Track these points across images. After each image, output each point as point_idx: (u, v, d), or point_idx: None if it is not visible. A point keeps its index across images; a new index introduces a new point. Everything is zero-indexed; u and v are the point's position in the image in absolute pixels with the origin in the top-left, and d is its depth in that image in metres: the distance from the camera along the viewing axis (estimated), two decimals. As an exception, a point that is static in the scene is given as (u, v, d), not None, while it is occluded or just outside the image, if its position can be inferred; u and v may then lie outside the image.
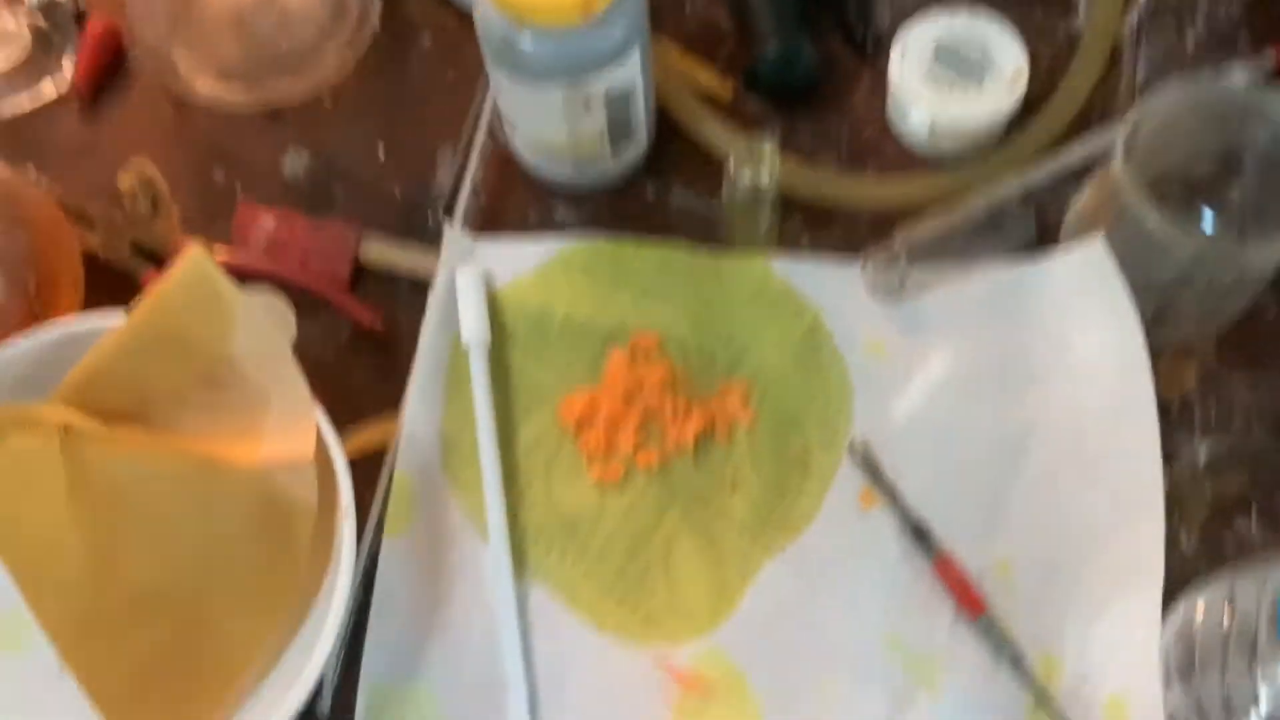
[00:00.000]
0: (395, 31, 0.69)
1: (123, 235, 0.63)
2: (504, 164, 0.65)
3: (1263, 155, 0.55)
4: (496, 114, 0.64)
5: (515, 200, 0.64)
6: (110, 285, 0.62)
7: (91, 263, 0.62)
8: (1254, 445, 0.57)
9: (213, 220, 0.65)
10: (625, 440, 0.57)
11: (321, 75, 0.67)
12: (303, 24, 0.69)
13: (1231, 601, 0.48)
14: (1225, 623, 0.47)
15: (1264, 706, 0.46)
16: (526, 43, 0.53)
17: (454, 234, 0.61)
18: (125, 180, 0.66)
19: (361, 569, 0.55)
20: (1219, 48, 0.66)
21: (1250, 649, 0.46)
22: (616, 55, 0.54)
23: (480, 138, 0.64)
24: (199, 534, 0.52)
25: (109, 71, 0.69)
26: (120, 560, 0.51)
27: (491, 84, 0.61)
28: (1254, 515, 0.55)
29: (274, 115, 0.68)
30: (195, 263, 0.52)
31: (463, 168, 0.64)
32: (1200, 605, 0.50)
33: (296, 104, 0.67)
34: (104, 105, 0.69)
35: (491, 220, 0.64)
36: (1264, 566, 0.48)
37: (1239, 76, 0.64)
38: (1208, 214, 0.59)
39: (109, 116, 0.69)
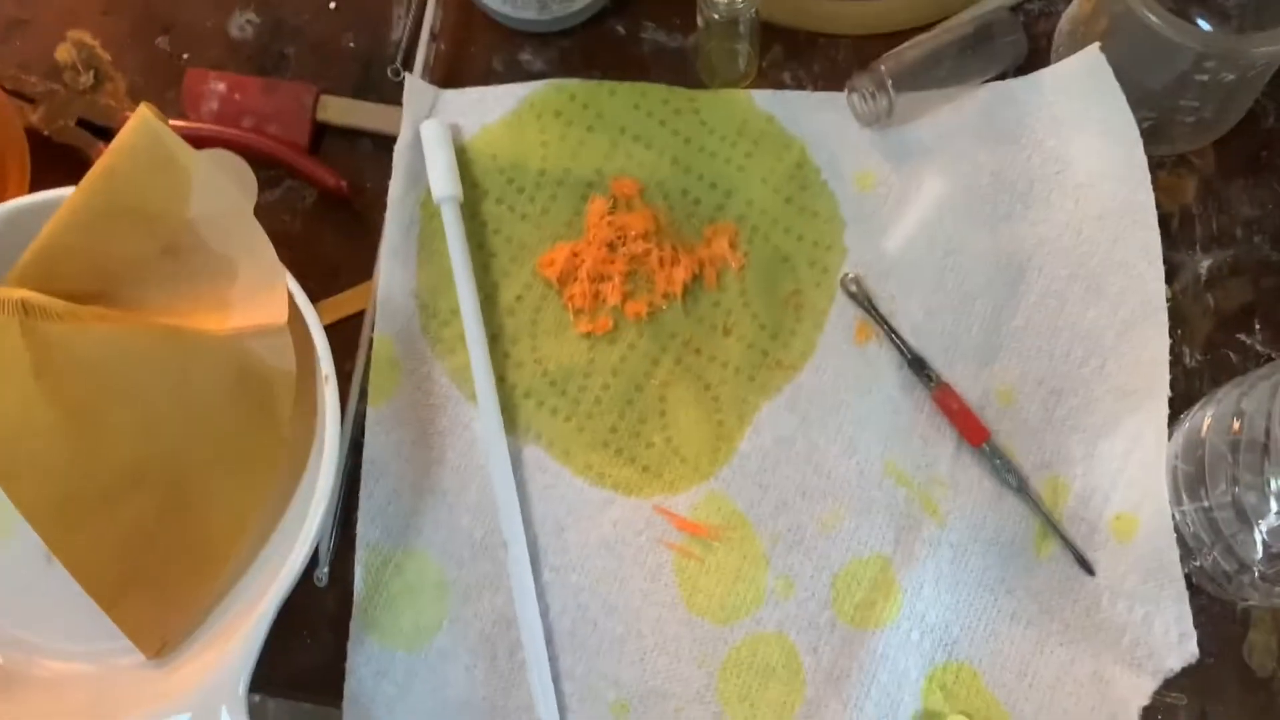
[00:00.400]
0: (337, -126, 0.64)
1: (67, 110, 0.60)
2: (464, 9, 0.61)
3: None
4: (452, -45, 0.61)
5: (478, 47, 0.61)
6: (59, 162, 0.58)
7: (37, 141, 0.59)
8: (1256, 255, 0.55)
9: (161, 90, 0.61)
10: (611, 292, 0.55)
11: (262, -73, 0.63)
12: (236, -128, 0.64)
13: (1239, 411, 0.47)
14: (1234, 432, 0.46)
15: (1275, 513, 0.45)
16: None
17: (416, 84, 0.58)
18: (64, 53, 0.62)
19: (349, 437, 0.54)
20: None
21: (1261, 455, 0.45)
22: (576, -126, 0.50)
23: (436, -18, 0.60)
24: (177, 408, 0.50)
25: (34, -63, 0.65)
26: (97, 439, 0.49)
27: (444, -81, 0.57)
28: (1257, 327, 0.54)
29: (215, -27, 0.63)
30: (145, 125, 0.49)
31: (419, 14, 0.60)
32: (1207, 417, 0.49)
33: (238, -41, 0.63)
34: (33, -26, 0.64)
35: (454, 70, 0.61)
36: (1272, 372, 0.47)
37: None
38: (1202, 24, 0.56)
39: (39, -14, 0.64)
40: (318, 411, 0.53)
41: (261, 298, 0.50)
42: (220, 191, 0.50)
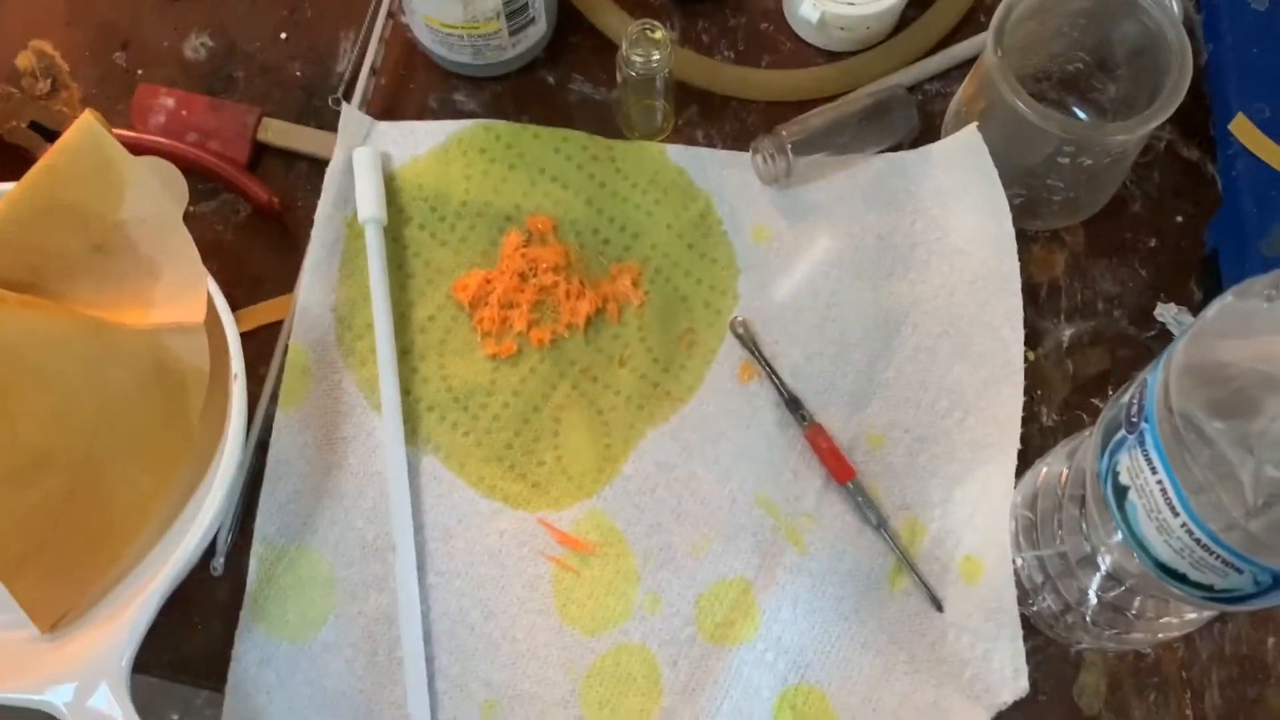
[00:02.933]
0: (299, -84, 0.69)
1: (21, 113, 0.63)
2: (406, 48, 0.66)
3: (1133, 47, 0.58)
4: (398, -1, 0.65)
5: (416, 85, 0.65)
6: (5, 160, 0.62)
7: (-12, 139, 0.62)
8: (1114, 328, 0.60)
9: (113, 101, 0.65)
10: (519, 319, 0.59)
11: (224, -42, 0.67)
12: (206, -94, 0.69)
13: (1070, 465, 0.51)
14: (1062, 485, 0.50)
15: (1100, 562, 0.49)
16: (417, -84, 0.54)
17: (351, 113, 0.62)
18: (24, 59, 0.66)
19: (256, 438, 0.57)
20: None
21: (1082, 507, 0.49)
22: (509, -67, 0.55)
23: (381, 20, 0.65)
24: (91, 395, 0.52)
25: (6, -50, 0.68)
26: (10, 421, 0.51)
27: (389, -36, 0.62)
28: (1110, 393, 0.59)
29: (176, -3, 0.68)
30: (87, 129, 0.53)
31: (362, 49, 0.65)
32: (1044, 470, 0.53)
33: (198, -14, 0.67)
34: (1, -15, 0.68)
35: (392, 104, 0.65)
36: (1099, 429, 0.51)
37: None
38: (1079, 113, 0.62)
39: (6, -4, 0.68)
40: (228, 413, 0.56)
41: (182, 298, 0.54)
42: (153, 197, 0.53)
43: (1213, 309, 0.37)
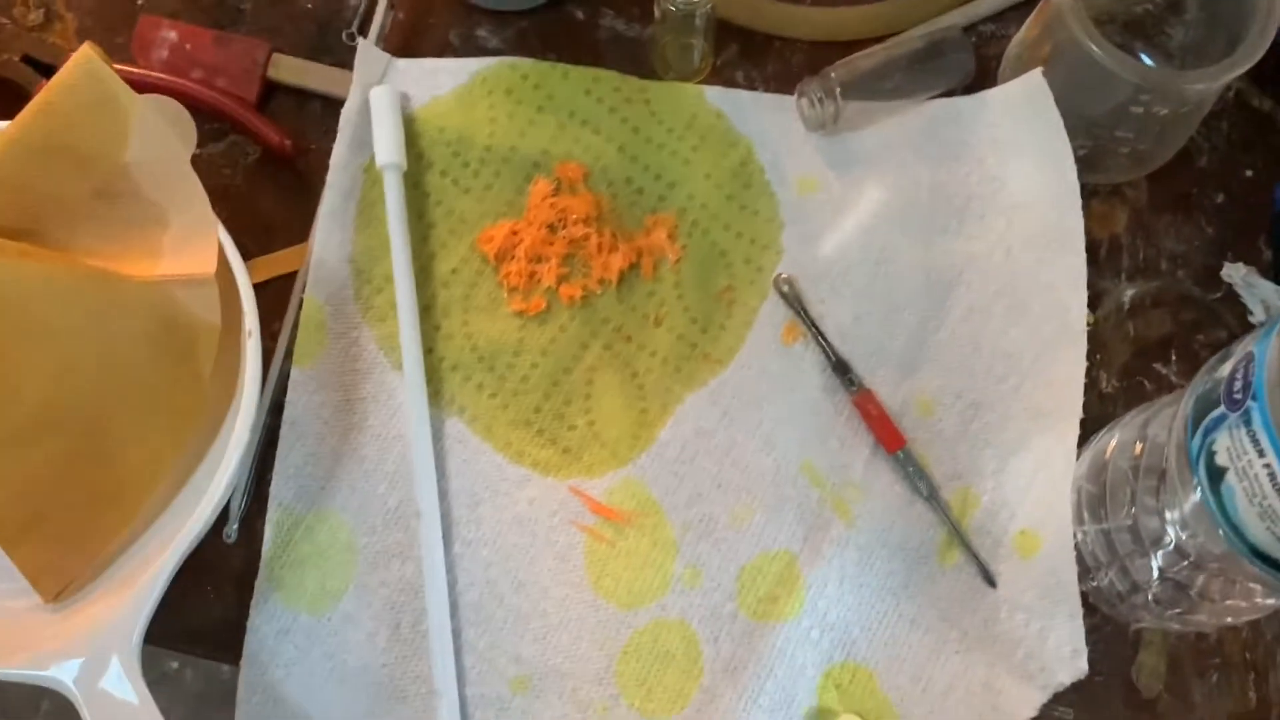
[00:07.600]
0: None
1: (12, 45, 0.59)
2: (425, -20, 0.61)
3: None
4: (416, -75, 0.60)
5: (436, 20, 0.61)
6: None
7: (-23, 74, 0.58)
8: (1177, 289, 0.56)
9: (111, 34, 0.61)
10: (547, 273, 0.56)
11: (229, -121, 0.62)
12: None
13: (1144, 436, 0.48)
14: (1135, 456, 0.47)
15: (1170, 538, 0.46)
16: None
17: (368, 49, 0.58)
18: (14, -13, 0.61)
19: (270, 397, 0.54)
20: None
21: (1159, 480, 0.46)
22: None
23: (399, -50, 0.60)
24: (96, 351, 0.49)
25: None
26: (10, 379, 0.48)
27: (409, -113, 0.57)
28: (1173, 358, 0.55)
29: (177, -80, 0.63)
30: (86, 64, 0.49)
31: (379, -19, 0.60)
32: (1113, 441, 0.50)
33: (201, -92, 0.62)
34: (-11, -95, 0.63)
35: (410, 40, 0.60)
36: (1177, 401, 0.48)
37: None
38: (1146, 59, 0.58)
39: (-5, -82, 0.63)
40: (240, 370, 0.53)
41: (190, 247, 0.50)
42: (159, 138, 0.50)
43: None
